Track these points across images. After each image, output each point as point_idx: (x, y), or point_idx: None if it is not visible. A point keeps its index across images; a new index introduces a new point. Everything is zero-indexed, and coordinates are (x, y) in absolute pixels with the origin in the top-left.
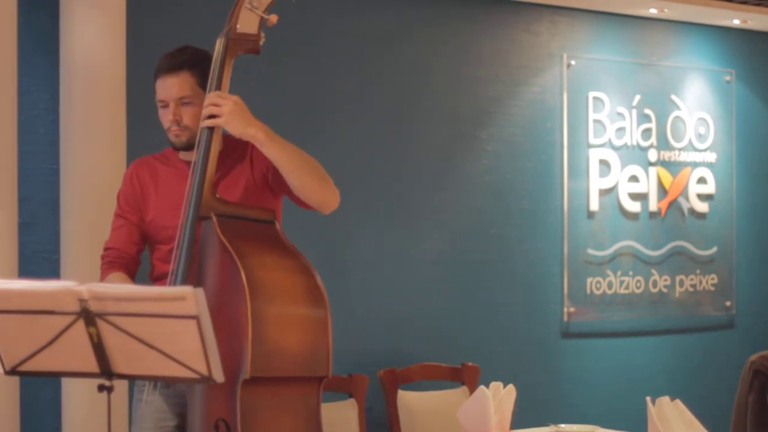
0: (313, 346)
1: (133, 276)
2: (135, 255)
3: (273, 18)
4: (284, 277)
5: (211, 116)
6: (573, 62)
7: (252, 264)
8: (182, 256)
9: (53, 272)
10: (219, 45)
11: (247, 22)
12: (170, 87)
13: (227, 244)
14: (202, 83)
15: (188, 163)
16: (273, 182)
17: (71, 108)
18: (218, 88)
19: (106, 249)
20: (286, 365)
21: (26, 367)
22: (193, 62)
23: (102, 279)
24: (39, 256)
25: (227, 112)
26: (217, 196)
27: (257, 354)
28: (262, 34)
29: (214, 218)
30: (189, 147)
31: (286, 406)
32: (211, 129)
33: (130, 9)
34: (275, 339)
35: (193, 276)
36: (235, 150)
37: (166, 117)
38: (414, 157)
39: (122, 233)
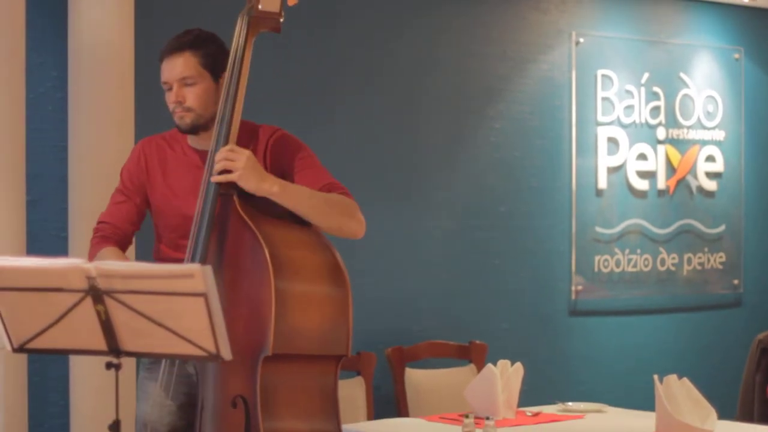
0: (333, 325)
1: (124, 252)
2: (129, 234)
3: None
4: (306, 255)
5: (224, 171)
6: (582, 40)
7: (274, 241)
8: (201, 234)
9: (61, 250)
10: (241, 22)
11: (269, 0)
12: (173, 68)
13: (249, 222)
14: (206, 64)
15: (197, 150)
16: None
17: (80, 85)
18: (240, 66)
19: (100, 222)
20: (306, 343)
21: (34, 345)
22: (197, 43)
23: (93, 253)
24: (47, 233)
25: (241, 167)
26: None
27: (279, 331)
28: (283, 13)
29: (235, 195)
30: (193, 130)
31: (304, 383)
32: (230, 119)
33: None
34: (297, 317)
35: (211, 253)
36: (251, 138)
37: (170, 99)
38: (422, 134)
39: (121, 210)
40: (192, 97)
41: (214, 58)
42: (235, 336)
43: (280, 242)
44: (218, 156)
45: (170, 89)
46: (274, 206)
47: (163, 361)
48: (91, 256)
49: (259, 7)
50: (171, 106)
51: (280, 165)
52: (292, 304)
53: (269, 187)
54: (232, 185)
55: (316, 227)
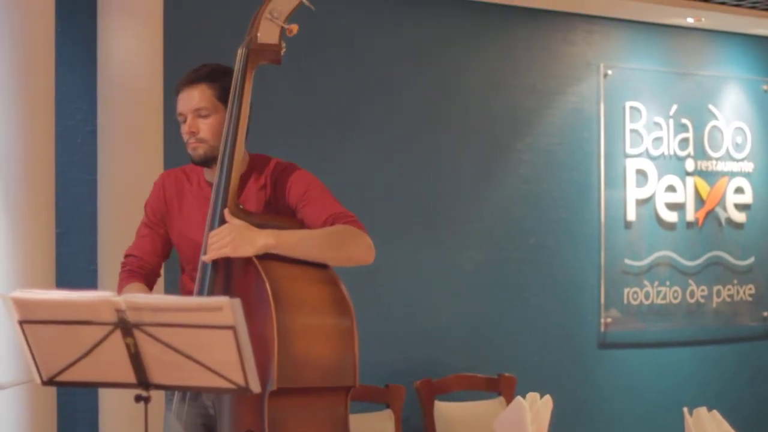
0: (339, 356)
1: (151, 288)
2: (156, 267)
3: (294, 28)
4: (309, 287)
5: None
6: (610, 72)
7: (276, 275)
8: (207, 270)
9: (90, 283)
10: (240, 55)
11: (267, 33)
12: (188, 99)
13: (252, 256)
14: (221, 96)
15: (211, 184)
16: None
17: (109, 118)
18: (240, 98)
19: (127, 256)
20: (312, 376)
21: (63, 378)
22: (211, 76)
23: (120, 288)
24: (76, 266)
25: (229, 242)
26: (241, 206)
27: (284, 365)
28: (283, 44)
29: None
30: (205, 162)
31: (314, 416)
32: (233, 146)
33: (168, 19)
34: (301, 350)
35: (219, 288)
36: (255, 169)
37: (184, 130)
38: (451, 166)
39: (146, 242)
40: (205, 128)
41: (229, 91)
42: None
43: (282, 276)
44: (209, 242)
45: (185, 121)
46: None
47: (175, 393)
48: (119, 291)
49: (258, 39)
50: (185, 137)
51: (284, 199)
52: (296, 337)
53: (264, 243)
54: (235, 216)
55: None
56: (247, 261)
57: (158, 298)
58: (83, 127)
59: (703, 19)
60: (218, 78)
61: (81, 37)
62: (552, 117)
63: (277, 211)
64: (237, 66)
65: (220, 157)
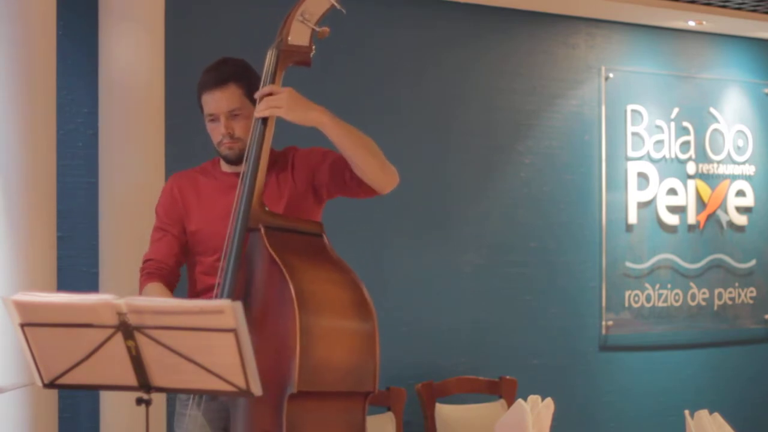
0: (360, 361)
1: (172, 289)
2: (174, 267)
3: (325, 30)
4: (333, 290)
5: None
6: (611, 75)
7: (301, 277)
8: (230, 268)
9: (92, 286)
10: (270, 56)
11: (298, 34)
12: (219, 100)
13: (276, 257)
14: (249, 94)
15: (230, 174)
16: (319, 182)
17: (110, 122)
18: None
19: (145, 261)
20: (333, 380)
21: (64, 381)
22: (239, 74)
23: (140, 290)
24: (77, 269)
25: (285, 103)
26: (266, 208)
27: (305, 368)
28: (313, 46)
29: (263, 230)
30: (241, 159)
31: (331, 420)
32: (261, 138)
33: (169, 23)
34: (323, 353)
35: (240, 288)
36: (278, 161)
37: (217, 131)
38: (452, 169)
39: (162, 245)
40: (240, 128)
41: (255, 87)
42: (262, 372)
43: (306, 277)
44: (259, 94)
45: (215, 120)
46: (303, 241)
47: (193, 395)
48: (140, 294)
49: (289, 40)
50: (218, 138)
51: (307, 170)
52: (317, 340)
53: (317, 116)
54: (260, 219)
55: (333, 255)
56: (270, 259)
57: (160, 301)
58: (84, 130)
59: (704, 23)
60: (244, 75)
61: (82, 41)
62: (553, 120)
63: (300, 197)
64: (266, 67)
65: (245, 158)
